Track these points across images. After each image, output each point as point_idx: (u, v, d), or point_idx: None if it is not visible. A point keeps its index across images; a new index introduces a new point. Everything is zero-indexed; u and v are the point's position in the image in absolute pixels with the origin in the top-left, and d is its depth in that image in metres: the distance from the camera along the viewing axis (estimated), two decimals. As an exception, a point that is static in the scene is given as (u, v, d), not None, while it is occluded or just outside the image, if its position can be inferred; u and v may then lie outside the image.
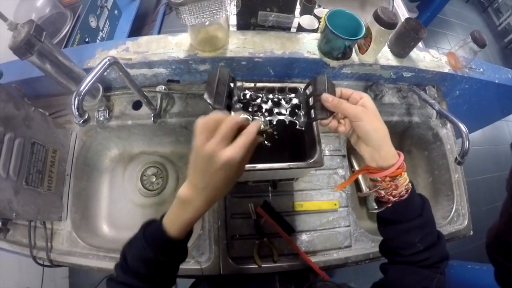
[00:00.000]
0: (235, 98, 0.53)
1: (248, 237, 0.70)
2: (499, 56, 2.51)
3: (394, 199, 0.43)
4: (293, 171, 0.56)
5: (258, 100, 0.53)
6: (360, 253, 0.73)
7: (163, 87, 0.73)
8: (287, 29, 0.80)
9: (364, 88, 0.84)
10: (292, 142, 0.65)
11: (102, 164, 0.90)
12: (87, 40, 1.24)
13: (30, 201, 0.70)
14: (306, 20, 0.84)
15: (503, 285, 0.52)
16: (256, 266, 0.68)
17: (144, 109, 0.80)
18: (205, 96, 0.46)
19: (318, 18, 0.85)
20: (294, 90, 0.55)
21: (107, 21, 1.37)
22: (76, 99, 0.51)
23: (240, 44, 0.74)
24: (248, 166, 0.50)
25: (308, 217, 0.73)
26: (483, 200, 1.70)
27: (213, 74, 0.49)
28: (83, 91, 0.51)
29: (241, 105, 0.51)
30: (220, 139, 0.34)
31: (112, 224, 0.89)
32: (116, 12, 1.40)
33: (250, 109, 0.51)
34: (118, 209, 0.89)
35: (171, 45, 0.75)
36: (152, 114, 0.73)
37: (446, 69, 0.83)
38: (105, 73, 0.77)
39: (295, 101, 0.53)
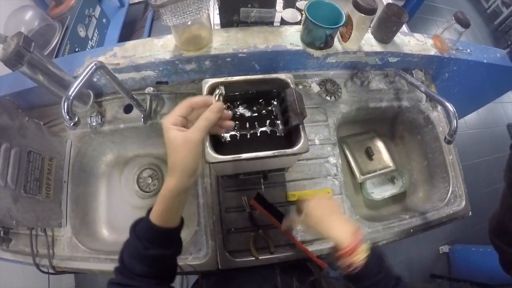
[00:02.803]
0: None
1: (244, 230, 0.71)
2: (490, 39, 2.50)
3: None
4: (280, 159, 0.57)
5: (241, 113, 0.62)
6: (357, 239, 0.74)
7: (152, 88, 0.74)
8: (270, 23, 0.82)
9: (349, 76, 0.85)
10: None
11: (98, 169, 0.91)
12: (77, 49, 1.25)
13: (29, 209, 0.72)
14: (289, 14, 0.85)
15: (508, 271, 0.54)
16: (253, 258, 0.69)
17: (135, 112, 0.81)
18: None
19: (301, 10, 0.87)
20: (269, 103, 0.63)
21: (96, 30, 1.39)
22: (66, 103, 0.52)
23: (223, 42, 0.75)
24: (233, 156, 0.52)
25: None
26: (482, 182, 1.70)
27: None
28: (72, 95, 0.53)
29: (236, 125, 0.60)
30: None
31: (111, 227, 0.90)
32: (104, 20, 1.42)
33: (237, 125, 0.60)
34: (117, 212, 0.90)
35: (157, 48, 0.76)
36: (142, 116, 0.75)
37: (432, 51, 0.84)
38: (95, 79, 0.80)
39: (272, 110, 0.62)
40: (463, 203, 0.83)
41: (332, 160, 0.77)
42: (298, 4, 0.88)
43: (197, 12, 0.63)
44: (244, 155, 0.53)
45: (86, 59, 0.80)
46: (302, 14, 0.85)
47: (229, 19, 0.80)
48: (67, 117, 0.54)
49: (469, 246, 1.40)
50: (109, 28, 1.45)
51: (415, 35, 0.87)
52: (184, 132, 0.37)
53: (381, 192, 0.87)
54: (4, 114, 0.67)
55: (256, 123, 0.61)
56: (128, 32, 1.57)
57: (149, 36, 1.61)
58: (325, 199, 0.59)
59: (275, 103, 0.63)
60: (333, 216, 0.54)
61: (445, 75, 0.92)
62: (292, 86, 0.61)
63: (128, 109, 0.82)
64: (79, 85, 0.55)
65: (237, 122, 0.61)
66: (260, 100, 0.63)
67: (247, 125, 0.61)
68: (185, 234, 0.83)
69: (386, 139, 0.92)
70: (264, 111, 0.63)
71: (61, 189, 0.83)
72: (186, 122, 0.39)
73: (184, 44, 0.73)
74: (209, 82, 0.59)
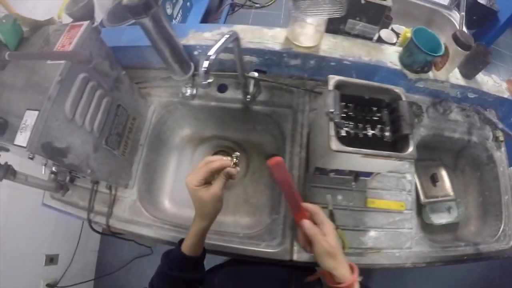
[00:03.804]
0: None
1: (322, 226, 0.73)
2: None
3: None
4: (383, 162, 0.61)
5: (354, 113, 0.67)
6: (419, 255, 0.76)
7: (256, 73, 0.77)
8: (369, 39, 0.87)
9: (430, 103, 0.90)
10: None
11: (172, 141, 0.92)
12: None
13: (105, 161, 0.72)
14: (385, 34, 0.90)
15: None
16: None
17: (230, 93, 0.84)
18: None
19: (396, 33, 0.92)
20: (379, 111, 0.67)
21: (180, 11, 1.43)
22: (206, 61, 0.54)
23: (331, 46, 0.80)
24: (356, 149, 0.57)
25: (377, 215, 0.76)
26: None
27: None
28: (212, 55, 0.55)
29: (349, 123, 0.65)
30: (192, 173, 0.48)
31: (174, 200, 0.90)
32: (188, 4, 1.47)
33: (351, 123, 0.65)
34: (182, 187, 0.88)
35: (267, 37, 0.80)
36: (248, 98, 0.77)
37: (506, 94, 0.89)
38: (196, 52, 0.82)
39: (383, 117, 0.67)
40: (511, 243, 0.87)
41: (408, 177, 0.81)
42: (394, 26, 0.94)
43: (328, 12, 0.67)
44: (365, 150, 0.57)
45: (190, 31, 0.83)
46: (397, 37, 0.91)
47: (336, 27, 0.84)
48: (204, 74, 0.55)
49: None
50: (191, 13, 1.50)
51: (492, 76, 0.92)
52: (209, 191, 0.47)
53: (437, 218, 0.90)
54: (106, 61, 0.68)
55: (367, 126, 0.65)
56: (203, 22, 1.61)
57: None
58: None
59: (385, 111, 0.67)
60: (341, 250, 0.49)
61: (510, 119, 0.97)
62: (404, 99, 0.65)
63: (222, 88, 0.85)
64: (220, 48, 0.56)
65: (350, 122, 0.65)
66: (372, 107, 0.67)
67: (359, 126, 0.64)
68: (254, 221, 0.85)
69: (448, 169, 0.96)
70: (374, 117, 0.67)
71: (136, 151, 0.84)
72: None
73: (296, 39, 0.77)
74: (335, 78, 0.63)
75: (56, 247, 1.16)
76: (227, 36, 0.57)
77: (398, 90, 0.66)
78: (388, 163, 0.63)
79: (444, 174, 0.94)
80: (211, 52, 0.55)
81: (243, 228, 0.84)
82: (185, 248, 0.51)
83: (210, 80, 0.57)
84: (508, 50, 2.29)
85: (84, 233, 0.81)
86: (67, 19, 0.78)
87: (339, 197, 0.76)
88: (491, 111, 0.90)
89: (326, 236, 0.46)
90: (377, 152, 0.57)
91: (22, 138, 0.53)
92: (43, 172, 0.71)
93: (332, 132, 0.56)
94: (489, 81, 0.91)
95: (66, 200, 0.84)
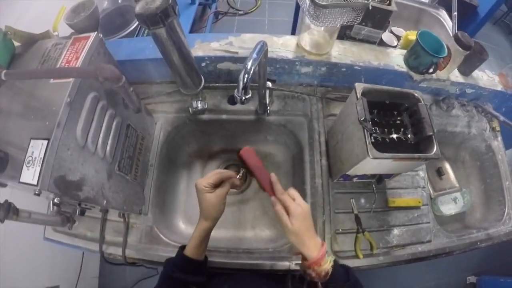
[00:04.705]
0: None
1: (349, 231, 0.73)
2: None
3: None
4: (410, 164, 0.63)
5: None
6: (439, 247, 0.79)
7: (270, 83, 0.75)
8: (373, 43, 0.88)
9: (433, 100, 0.94)
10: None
11: (181, 159, 0.88)
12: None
13: (119, 189, 0.67)
14: (387, 37, 0.93)
15: None
16: (357, 259, 0.71)
17: (241, 105, 0.81)
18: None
19: (396, 35, 0.95)
20: (399, 114, 0.69)
21: None
22: (245, 76, 0.51)
23: (341, 52, 0.80)
24: (392, 154, 0.57)
25: (398, 213, 0.78)
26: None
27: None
28: (251, 69, 0.51)
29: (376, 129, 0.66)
30: (204, 178, 0.53)
31: (188, 221, 0.86)
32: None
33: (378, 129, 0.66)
34: (195, 205, 0.86)
35: (277, 45, 0.79)
36: (268, 109, 0.75)
37: (499, 87, 0.95)
38: (203, 64, 0.79)
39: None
40: (516, 225, 0.93)
41: (421, 174, 0.84)
42: (393, 29, 0.97)
43: (345, 20, 0.67)
44: (399, 154, 0.58)
45: (196, 42, 0.80)
46: (398, 40, 0.93)
47: (341, 32, 0.85)
48: (242, 90, 0.52)
49: (497, 277, 1.44)
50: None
51: (486, 71, 0.98)
52: (216, 193, 0.53)
53: (446, 210, 0.95)
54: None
55: (392, 129, 0.66)
56: (190, 32, 1.55)
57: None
58: (308, 212, 0.52)
59: (405, 115, 0.69)
60: (311, 229, 0.51)
61: (502, 109, 1.03)
62: (422, 102, 0.67)
63: (232, 100, 0.82)
64: (256, 60, 0.53)
65: (377, 127, 0.65)
66: (393, 111, 0.69)
67: (386, 131, 0.65)
68: (276, 234, 0.84)
69: (450, 162, 1.01)
70: (396, 121, 0.68)
71: (146, 173, 0.80)
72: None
73: (309, 46, 0.77)
74: (361, 86, 0.63)
75: (56, 278, 1.08)
76: (260, 46, 0.54)
77: (417, 94, 0.68)
78: (414, 164, 0.65)
79: (447, 166, 0.98)
80: (249, 65, 0.52)
81: (266, 242, 0.82)
82: (188, 251, 0.53)
83: (249, 96, 0.54)
84: (485, 40, 2.43)
85: (84, 260, 0.75)
86: (64, 32, 0.71)
87: (362, 201, 0.77)
88: (487, 104, 0.96)
89: (290, 216, 0.49)
90: (410, 155, 0.58)
91: (30, 174, 0.46)
92: (51, 209, 0.64)
93: (369, 140, 0.56)
94: (483, 76, 0.96)
95: (72, 233, 0.78)
